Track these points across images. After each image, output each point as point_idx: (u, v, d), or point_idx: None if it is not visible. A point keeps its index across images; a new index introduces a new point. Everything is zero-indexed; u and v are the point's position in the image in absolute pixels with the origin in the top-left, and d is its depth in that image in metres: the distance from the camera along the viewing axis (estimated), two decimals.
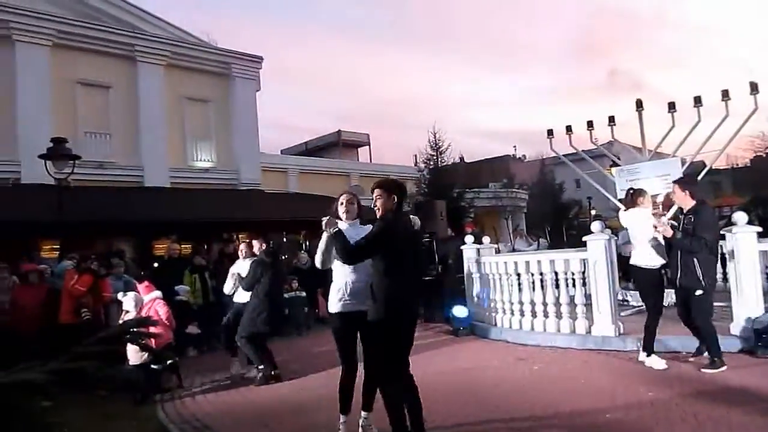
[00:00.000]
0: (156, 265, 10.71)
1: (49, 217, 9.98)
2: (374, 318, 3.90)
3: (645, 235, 6.08)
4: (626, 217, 6.45)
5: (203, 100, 18.34)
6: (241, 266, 7.23)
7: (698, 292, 5.63)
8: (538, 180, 37.55)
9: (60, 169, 9.82)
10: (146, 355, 5.70)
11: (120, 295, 6.87)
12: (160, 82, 17.04)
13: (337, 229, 3.97)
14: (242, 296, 7.09)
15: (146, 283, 7.15)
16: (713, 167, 10.86)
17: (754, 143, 41.48)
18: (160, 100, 16.92)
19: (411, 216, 4.29)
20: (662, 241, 5.95)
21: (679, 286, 5.84)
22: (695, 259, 5.60)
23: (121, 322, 6.21)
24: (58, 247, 10.83)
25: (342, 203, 4.41)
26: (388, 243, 3.93)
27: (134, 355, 5.82)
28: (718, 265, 10.04)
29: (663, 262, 6.00)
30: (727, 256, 6.88)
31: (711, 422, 4.14)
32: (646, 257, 6.07)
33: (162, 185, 16.47)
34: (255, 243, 7.20)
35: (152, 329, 6.35)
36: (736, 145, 33.49)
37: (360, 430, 4.25)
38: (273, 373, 6.68)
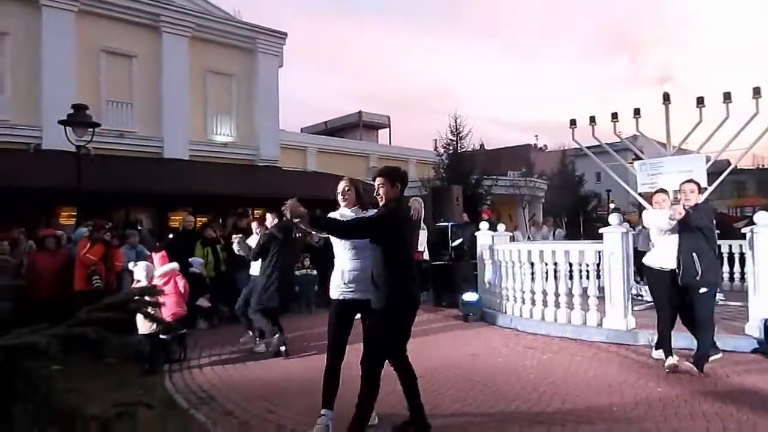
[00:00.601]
0: (171, 236, 10.78)
1: (68, 183, 10.08)
2: (378, 306, 3.90)
3: (659, 237, 5.99)
4: (644, 217, 6.38)
5: (226, 74, 18.34)
6: (254, 240, 7.32)
7: (702, 290, 5.53)
8: (558, 171, 37.15)
9: (80, 136, 9.89)
10: (155, 324, 5.72)
11: (131, 265, 6.91)
12: (183, 54, 17.06)
13: (306, 219, 3.72)
14: (256, 269, 7.18)
15: (162, 253, 7.15)
16: (737, 166, 10.63)
17: None
18: (183, 72, 16.95)
19: (414, 198, 4.25)
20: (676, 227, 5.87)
21: (682, 285, 5.70)
22: (694, 255, 5.51)
23: None
24: (75, 214, 10.93)
25: (339, 191, 4.33)
26: (390, 231, 3.90)
27: (143, 324, 5.85)
28: (736, 265, 10.03)
29: (674, 265, 5.87)
30: (746, 255, 6.77)
31: (719, 420, 4.09)
32: (659, 259, 5.95)
33: (181, 157, 16.57)
34: (268, 216, 7.23)
35: (170, 303, 6.43)
36: (763, 145, 32.79)
37: None
38: (281, 348, 6.73)
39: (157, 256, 6.97)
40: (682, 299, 5.80)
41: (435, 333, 7.85)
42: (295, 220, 3.67)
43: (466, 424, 4.21)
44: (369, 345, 3.95)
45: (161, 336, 6.28)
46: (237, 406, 4.82)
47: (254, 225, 7.74)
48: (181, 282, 6.82)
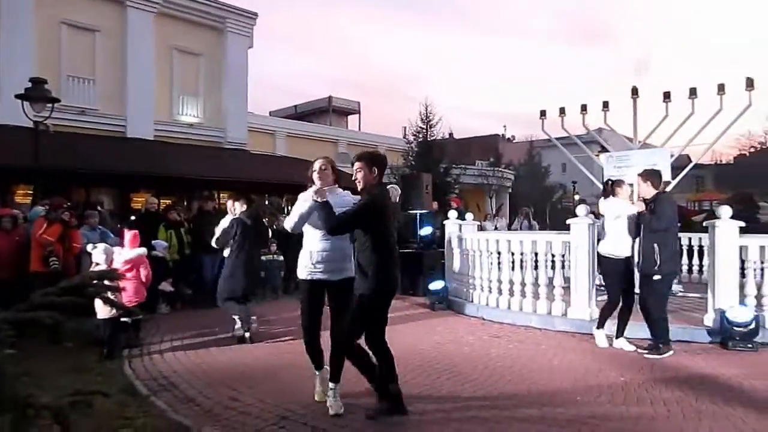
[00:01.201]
0: (133, 218, 10.51)
1: (25, 161, 9.71)
2: (364, 292, 3.94)
3: (616, 225, 6.15)
4: (602, 205, 6.48)
5: (194, 53, 17.93)
6: (227, 222, 7.13)
7: (656, 277, 5.74)
8: (525, 161, 37.56)
9: (38, 112, 9.49)
10: (114, 309, 5.53)
11: (90, 247, 6.63)
12: (149, 30, 16.58)
13: (326, 199, 3.94)
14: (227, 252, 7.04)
15: (135, 232, 6.76)
16: (698, 162, 10.85)
17: (740, 141, 42.00)
18: (148, 49, 16.50)
19: (390, 185, 4.28)
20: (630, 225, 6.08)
21: (640, 272, 5.96)
22: (655, 245, 5.70)
23: None
24: (31, 192, 10.54)
25: (316, 170, 4.22)
26: (374, 218, 3.96)
27: (102, 308, 5.64)
28: (695, 257, 10.28)
29: (628, 253, 6.11)
30: (705, 248, 6.92)
31: (679, 407, 4.20)
32: (611, 247, 6.18)
33: (145, 137, 16.16)
34: (237, 203, 7.05)
35: (130, 289, 6.23)
36: (723, 142, 33.69)
37: (328, 400, 4.18)
38: (246, 335, 6.62)
39: (128, 235, 6.67)
40: (641, 286, 6.01)
41: (402, 321, 7.82)
42: (318, 199, 3.90)
43: (432, 411, 4.20)
44: (342, 331, 4.01)
45: (122, 319, 6.09)
46: (199, 392, 4.71)
47: (230, 203, 7.39)
48: (144, 272, 6.59)
